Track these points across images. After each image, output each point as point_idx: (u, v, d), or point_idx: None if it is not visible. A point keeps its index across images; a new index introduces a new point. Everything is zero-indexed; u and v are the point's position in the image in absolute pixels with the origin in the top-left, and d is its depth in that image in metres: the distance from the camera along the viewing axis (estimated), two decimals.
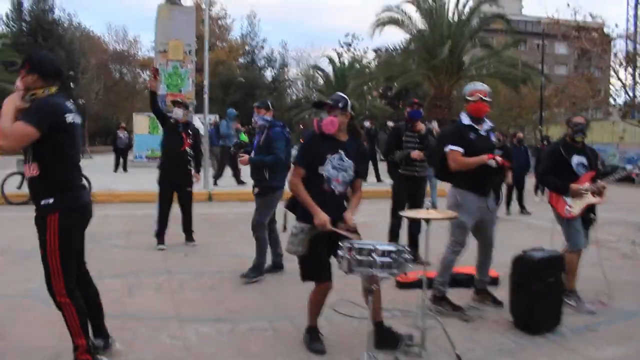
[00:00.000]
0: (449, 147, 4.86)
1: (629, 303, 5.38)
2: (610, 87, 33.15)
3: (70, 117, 3.18)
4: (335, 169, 3.81)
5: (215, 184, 14.50)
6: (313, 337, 3.95)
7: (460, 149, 4.82)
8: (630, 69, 29.13)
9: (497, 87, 31.83)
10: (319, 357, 3.84)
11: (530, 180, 13.22)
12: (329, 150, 3.82)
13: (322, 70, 40.75)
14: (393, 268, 3.22)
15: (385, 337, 3.91)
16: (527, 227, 10.42)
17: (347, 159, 3.85)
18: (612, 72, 30.33)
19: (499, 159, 4.83)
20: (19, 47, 35.41)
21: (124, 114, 50.09)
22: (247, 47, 50.37)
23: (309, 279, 3.82)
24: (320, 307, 3.93)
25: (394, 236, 6.69)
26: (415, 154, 6.46)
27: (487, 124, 5.02)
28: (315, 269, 3.75)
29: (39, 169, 3.18)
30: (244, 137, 19.82)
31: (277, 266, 6.26)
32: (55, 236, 3.18)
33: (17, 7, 43.57)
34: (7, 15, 44.55)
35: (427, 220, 3.81)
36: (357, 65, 39.79)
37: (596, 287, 5.41)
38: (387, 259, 3.20)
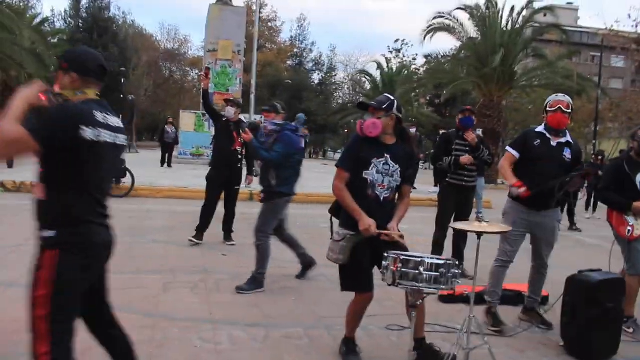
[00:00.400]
0: (507, 148, 4.86)
1: None
2: None
3: (91, 133, 2.30)
4: (380, 173, 3.60)
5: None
6: (349, 349, 3.75)
7: (515, 153, 4.73)
8: None
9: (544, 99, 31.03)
10: None
11: (582, 196, 12.72)
12: (374, 154, 3.61)
13: (370, 75, 40.48)
14: (441, 283, 2.99)
15: (426, 355, 3.68)
16: (578, 244, 9.95)
17: (393, 163, 3.63)
18: None
19: (522, 190, 4.50)
20: (75, 43, 36.36)
21: (172, 111, 50.80)
22: (295, 50, 50.58)
23: (349, 289, 3.61)
24: (359, 319, 3.73)
25: (438, 247, 6.42)
26: (465, 158, 6.19)
27: (565, 138, 4.72)
28: (357, 279, 3.54)
29: (44, 192, 2.36)
30: None
31: (308, 264, 6.06)
32: (47, 280, 2.30)
33: (75, 3, 44.90)
34: (65, 12, 46.06)
35: (479, 234, 3.56)
36: (406, 72, 39.38)
37: None
38: (435, 274, 2.98)
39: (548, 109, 4.69)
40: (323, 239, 8.46)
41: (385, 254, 3.14)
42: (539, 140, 4.66)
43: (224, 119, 7.45)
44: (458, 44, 27.00)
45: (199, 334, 4.10)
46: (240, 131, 7.36)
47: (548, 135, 4.67)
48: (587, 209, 13.92)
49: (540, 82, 25.38)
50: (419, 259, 2.98)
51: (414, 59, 44.88)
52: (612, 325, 4.20)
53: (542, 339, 4.54)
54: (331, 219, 3.77)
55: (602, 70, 32.44)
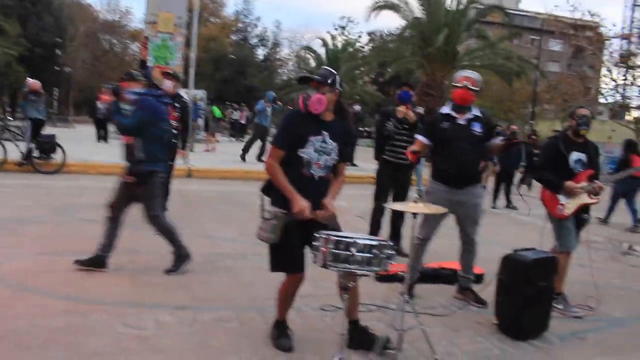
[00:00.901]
0: (415, 135, 4.90)
1: (617, 310, 5.13)
2: (603, 86, 33.07)
3: None
4: (317, 152, 3.43)
5: (243, 159, 15.64)
6: (281, 332, 3.62)
7: (424, 139, 4.76)
8: (623, 69, 28.97)
9: (490, 80, 31.69)
10: (285, 354, 3.50)
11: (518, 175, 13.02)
12: (312, 132, 3.44)
13: (314, 52, 40.05)
14: (373, 265, 2.88)
15: (360, 338, 3.59)
16: (512, 222, 10.18)
17: (331, 141, 3.48)
18: (605, 72, 30.15)
19: (410, 156, 4.67)
20: (5, 9, 34.39)
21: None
22: (240, 25, 49.53)
23: (279, 269, 3.46)
24: (290, 300, 3.59)
25: (375, 225, 6.36)
26: (401, 111, 6.16)
27: (471, 113, 4.72)
28: (288, 259, 3.40)
29: None
30: (218, 112, 19.52)
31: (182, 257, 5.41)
32: None
33: None
34: None
35: (414, 214, 3.47)
36: (350, 49, 39.20)
37: (584, 290, 5.16)
38: (368, 255, 2.86)
39: (454, 84, 4.68)
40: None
41: (317, 234, 3.00)
42: (446, 122, 4.68)
43: (159, 92, 7.17)
44: (403, 22, 27.02)
45: (123, 318, 3.87)
46: (176, 105, 7.14)
47: (454, 114, 4.68)
48: (519, 186, 14.28)
49: (482, 63, 25.67)
50: (351, 240, 2.86)
51: (359, 37, 44.74)
52: (544, 302, 4.23)
53: (477, 317, 4.54)
54: (262, 197, 3.60)
55: (540, 53, 33.31)
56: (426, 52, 24.33)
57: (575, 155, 4.93)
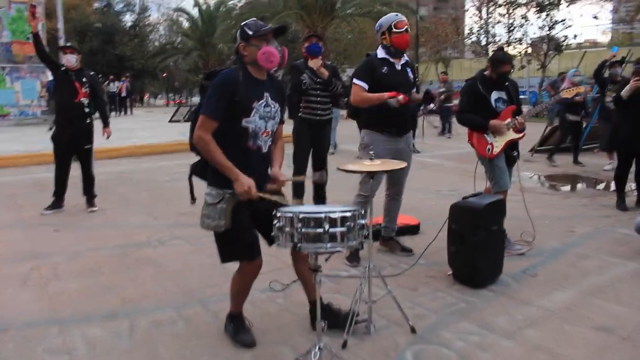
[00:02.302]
0: (354, 81, 4.48)
1: (551, 239, 5.22)
2: (468, 27, 34.56)
3: None
4: (263, 118, 2.95)
5: None
6: (238, 326, 3.17)
7: (363, 84, 4.43)
8: (487, 7, 30.24)
9: (365, 27, 31.92)
10: (250, 351, 3.07)
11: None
12: (255, 96, 2.92)
13: (187, 13, 38.14)
14: (350, 239, 2.51)
15: (326, 317, 3.23)
16: (420, 165, 10.21)
17: (273, 102, 3.00)
18: (474, 12, 31.33)
19: (400, 97, 4.28)
20: None
21: None
22: None
23: (234, 258, 2.96)
24: (248, 291, 3.13)
25: (299, 188, 5.98)
26: (317, 62, 5.77)
27: (405, 58, 4.58)
28: (243, 245, 2.90)
29: None
30: None
31: None
32: None
33: None
34: None
35: (372, 174, 3.11)
36: (224, 7, 37.68)
37: (517, 225, 5.18)
38: (342, 229, 2.48)
39: (394, 30, 4.40)
40: (167, 193, 7.70)
41: (277, 213, 2.56)
42: (385, 67, 4.45)
43: (62, 68, 6.47)
44: None
45: (44, 342, 3.20)
46: (84, 80, 6.34)
47: (391, 59, 4.47)
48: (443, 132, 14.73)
49: (361, 11, 25.69)
50: (322, 215, 2.45)
51: None
52: (498, 247, 4.13)
53: (427, 271, 4.36)
54: (190, 182, 3.06)
55: None
56: (304, 4, 23.88)
57: (495, 95, 4.87)
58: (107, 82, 27.81)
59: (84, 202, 6.76)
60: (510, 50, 27.01)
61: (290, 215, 2.48)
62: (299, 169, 5.96)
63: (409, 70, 4.58)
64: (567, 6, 23.39)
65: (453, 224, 4.07)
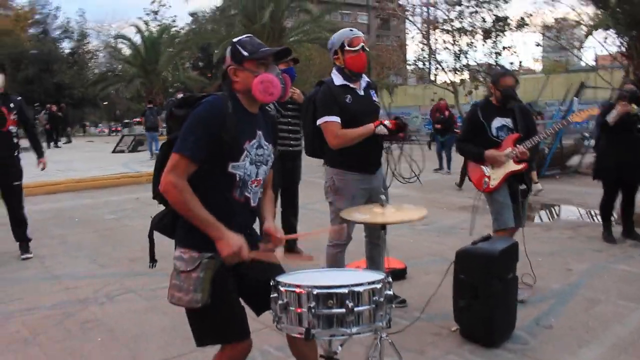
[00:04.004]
0: (324, 119, 3.70)
1: (551, 280, 4.75)
2: (414, 52, 34.92)
3: None
4: (254, 163, 2.29)
5: None
6: None
7: (338, 119, 3.68)
8: (433, 34, 30.54)
9: (312, 55, 31.73)
10: None
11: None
12: (246, 134, 2.25)
13: (129, 40, 36.89)
14: (376, 319, 1.89)
15: None
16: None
17: (266, 143, 2.35)
18: (419, 39, 31.53)
19: (387, 122, 3.67)
20: None
21: None
22: (37, 16, 44.20)
23: (217, 341, 2.24)
24: None
25: (287, 232, 5.32)
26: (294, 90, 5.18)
27: (365, 80, 3.87)
28: (229, 324, 2.20)
29: None
30: None
31: None
32: None
33: None
34: None
35: (383, 226, 2.51)
36: (166, 35, 36.70)
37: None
38: (370, 307, 1.86)
39: (348, 48, 3.71)
40: (115, 234, 6.87)
41: (278, 286, 1.91)
42: (348, 96, 3.74)
43: None
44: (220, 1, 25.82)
45: None
46: (12, 106, 5.50)
47: (351, 85, 3.78)
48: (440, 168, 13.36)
49: (309, 38, 25.45)
50: (345, 290, 1.82)
51: (174, 20, 42.34)
52: (512, 297, 3.59)
53: (431, 327, 3.76)
54: (151, 240, 2.34)
55: (350, 25, 34.06)
56: (252, 30, 23.43)
57: (497, 122, 4.35)
58: (43, 111, 26.33)
59: (17, 247, 5.86)
60: (458, 77, 27.22)
61: (300, 291, 1.84)
62: None
63: (372, 93, 3.90)
64: (515, 32, 23.69)
65: (461, 274, 3.50)
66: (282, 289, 1.89)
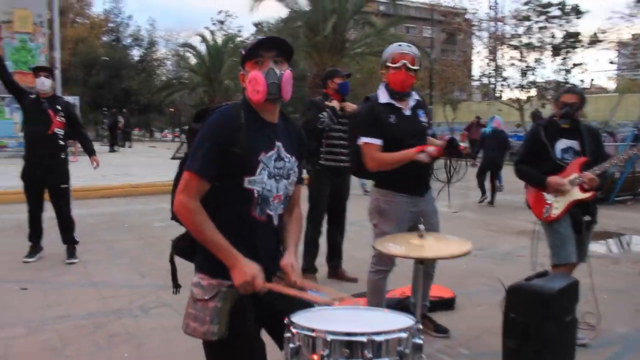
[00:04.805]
0: (363, 139, 3.54)
1: (617, 322, 4.27)
2: (480, 67, 34.16)
3: None
4: (274, 177, 2.08)
5: None
6: None
7: (378, 141, 3.48)
8: (500, 49, 29.75)
9: (376, 68, 31.49)
10: None
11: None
12: (262, 145, 2.06)
13: (194, 49, 37.80)
14: None
15: None
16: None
17: (287, 155, 2.13)
18: (485, 54, 30.78)
19: (431, 149, 3.43)
20: None
21: None
22: (111, 24, 46.03)
23: None
24: None
25: (313, 247, 5.12)
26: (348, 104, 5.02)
27: (413, 99, 3.64)
28: (246, 358, 2.03)
29: None
30: None
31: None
32: None
33: None
34: None
35: (420, 261, 2.24)
36: (232, 44, 37.40)
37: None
38: (393, 358, 1.60)
39: (389, 64, 3.53)
40: (160, 243, 6.81)
41: (291, 326, 1.69)
42: (392, 115, 3.52)
43: (32, 95, 5.65)
44: (287, 12, 25.98)
45: None
46: (58, 108, 5.56)
47: (397, 103, 3.55)
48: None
49: (372, 50, 25.21)
50: (364, 338, 1.57)
51: (240, 30, 43.09)
52: (569, 342, 3.22)
53: None
54: (172, 262, 2.19)
55: (414, 40, 33.76)
56: (314, 42, 23.44)
57: (562, 143, 3.96)
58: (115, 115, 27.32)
59: (65, 250, 5.89)
60: (524, 94, 26.36)
61: (311, 334, 1.61)
62: (315, 230, 5.11)
63: (420, 113, 3.66)
64: (586, 49, 22.70)
65: (512, 313, 3.16)
66: (294, 330, 1.66)
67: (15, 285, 4.98)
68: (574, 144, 3.93)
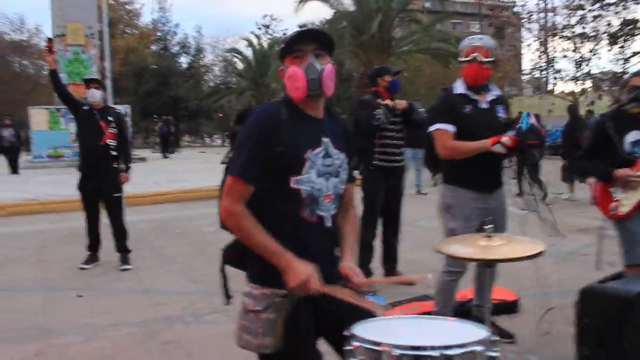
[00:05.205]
0: (435, 126, 3.46)
1: None
2: (531, 60, 33.17)
3: None
4: (323, 175, 1.94)
5: None
6: None
7: (451, 128, 3.38)
8: (551, 41, 28.83)
9: (422, 64, 31.03)
10: None
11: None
12: (308, 142, 1.92)
13: (240, 53, 38.21)
14: None
15: None
16: None
17: (336, 151, 1.99)
18: (536, 46, 29.87)
19: (506, 139, 3.24)
20: None
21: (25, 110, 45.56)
22: (159, 33, 47.13)
23: None
24: None
25: (368, 250, 4.95)
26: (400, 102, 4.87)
27: (492, 94, 3.52)
28: None
29: None
30: None
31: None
32: None
33: None
34: None
35: (490, 262, 2.06)
36: (277, 47, 37.68)
37: None
38: None
39: (462, 58, 3.44)
40: (211, 248, 6.80)
41: (352, 339, 1.54)
42: (468, 106, 3.41)
43: (85, 107, 5.74)
44: (332, 12, 25.94)
45: None
46: (110, 119, 5.62)
47: (473, 96, 3.43)
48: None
49: (418, 47, 24.88)
50: (436, 353, 1.42)
51: (284, 34, 43.33)
52: None
53: None
54: (223, 272, 2.07)
55: (462, 35, 33.04)
56: (359, 41, 23.27)
57: (633, 135, 3.66)
58: (159, 123, 27.88)
59: (118, 257, 5.93)
60: (578, 86, 25.40)
61: (376, 348, 1.46)
62: (369, 232, 4.95)
63: (499, 109, 3.52)
64: None
65: (586, 318, 2.93)
66: (355, 343, 1.52)
67: (71, 292, 5.02)
68: None
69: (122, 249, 5.92)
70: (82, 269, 5.75)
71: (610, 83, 24.48)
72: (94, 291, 5.09)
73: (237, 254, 1.99)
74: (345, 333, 1.61)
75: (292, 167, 1.87)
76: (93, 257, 5.93)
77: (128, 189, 6.12)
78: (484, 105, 3.46)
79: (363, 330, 1.59)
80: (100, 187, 5.74)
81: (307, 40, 1.91)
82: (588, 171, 3.90)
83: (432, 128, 3.48)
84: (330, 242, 2.02)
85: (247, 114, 1.97)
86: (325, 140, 1.96)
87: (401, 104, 4.82)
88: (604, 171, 3.73)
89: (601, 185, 3.81)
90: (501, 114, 3.52)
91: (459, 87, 3.49)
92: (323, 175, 1.93)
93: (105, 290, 5.14)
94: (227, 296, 2.07)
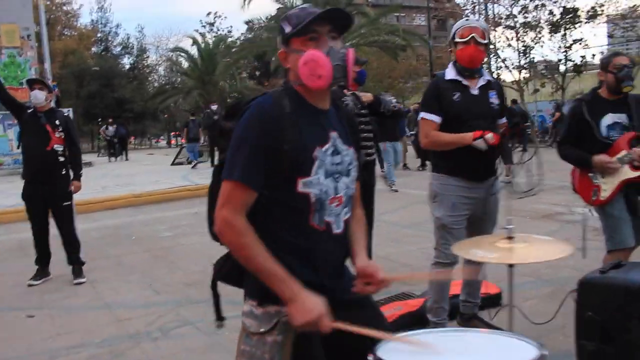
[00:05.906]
0: (421, 115, 3.39)
1: None
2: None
3: None
4: (332, 175, 1.68)
5: None
6: None
7: (436, 118, 3.30)
8: (494, 32, 29.35)
9: (369, 58, 31.11)
10: None
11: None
12: (315, 138, 1.66)
13: (186, 52, 37.35)
14: None
15: None
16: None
17: (345, 147, 1.74)
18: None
19: (489, 136, 3.16)
20: None
21: None
22: (99, 34, 45.63)
23: None
24: None
25: None
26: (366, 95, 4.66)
27: (484, 79, 3.38)
28: None
29: None
30: None
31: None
32: None
33: None
34: None
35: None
36: (223, 45, 36.93)
37: None
38: None
39: (457, 39, 3.30)
40: (171, 255, 6.45)
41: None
42: (457, 93, 3.28)
43: (29, 110, 5.31)
44: (277, 8, 25.62)
45: None
46: (57, 123, 5.21)
47: (464, 81, 3.30)
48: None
49: (366, 41, 24.87)
50: None
51: (229, 31, 42.70)
52: None
53: None
54: (215, 291, 1.79)
55: (406, 28, 33.42)
56: None
57: (609, 119, 3.59)
58: (105, 126, 26.89)
59: (71, 270, 5.50)
60: (523, 74, 25.94)
61: None
62: None
63: (491, 94, 3.37)
64: (586, 23, 22.23)
65: (588, 310, 2.78)
66: None
67: (21, 313, 4.60)
68: (622, 117, 3.57)
69: (75, 261, 5.50)
70: (30, 285, 5.31)
71: (551, 71, 25.17)
72: (47, 310, 4.67)
73: (233, 269, 1.69)
74: (369, 358, 1.37)
75: (300, 169, 1.61)
76: (43, 271, 5.47)
77: (77, 196, 5.67)
78: (475, 92, 3.32)
79: (388, 352, 1.35)
80: (48, 196, 5.31)
81: (324, 21, 1.64)
82: (568, 157, 3.79)
83: (419, 116, 3.45)
84: (342, 252, 1.77)
85: (239, 107, 1.69)
86: (333, 134, 1.71)
87: (367, 97, 4.62)
88: (582, 159, 3.66)
89: (580, 172, 3.73)
90: (493, 99, 3.38)
91: (450, 73, 3.36)
92: (331, 176, 1.68)
93: (60, 308, 4.73)
94: (220, 318, 1.78)
